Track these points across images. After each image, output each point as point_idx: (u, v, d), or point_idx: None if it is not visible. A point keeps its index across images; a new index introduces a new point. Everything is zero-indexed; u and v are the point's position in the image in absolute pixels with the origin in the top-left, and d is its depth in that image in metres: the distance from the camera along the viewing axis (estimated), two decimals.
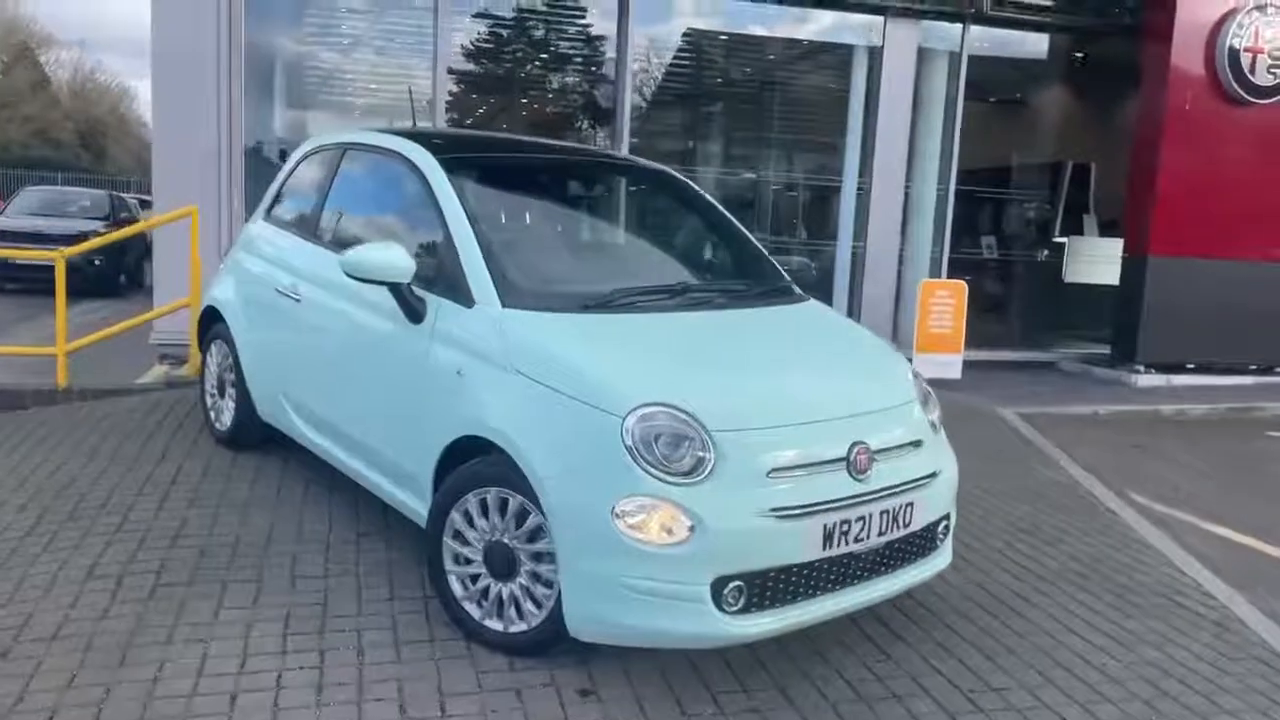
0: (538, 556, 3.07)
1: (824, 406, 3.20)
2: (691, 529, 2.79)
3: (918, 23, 9.26)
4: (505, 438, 3.05)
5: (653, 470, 2.83)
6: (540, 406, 3.03)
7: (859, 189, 9.50)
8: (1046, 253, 11.87)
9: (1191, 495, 5.72)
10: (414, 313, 3.50)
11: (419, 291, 3.51)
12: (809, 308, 3.93)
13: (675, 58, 9.86)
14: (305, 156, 4.76)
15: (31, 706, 2.76)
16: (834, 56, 9.76)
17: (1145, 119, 9.38)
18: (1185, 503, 5.52)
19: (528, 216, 3.98)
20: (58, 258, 6.08)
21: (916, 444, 3.34)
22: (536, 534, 3.06)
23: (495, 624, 3.18)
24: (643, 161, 4.63)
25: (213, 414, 5.16)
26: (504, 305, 3.30)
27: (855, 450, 3.08)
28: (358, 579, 3.65)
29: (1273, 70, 9.21)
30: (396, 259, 3.45)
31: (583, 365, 3.08)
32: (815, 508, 2.94)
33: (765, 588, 2.91)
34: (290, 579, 3.63)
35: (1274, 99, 9.28)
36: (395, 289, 3.51)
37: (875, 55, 9.31)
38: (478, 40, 9.22)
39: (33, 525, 4.04)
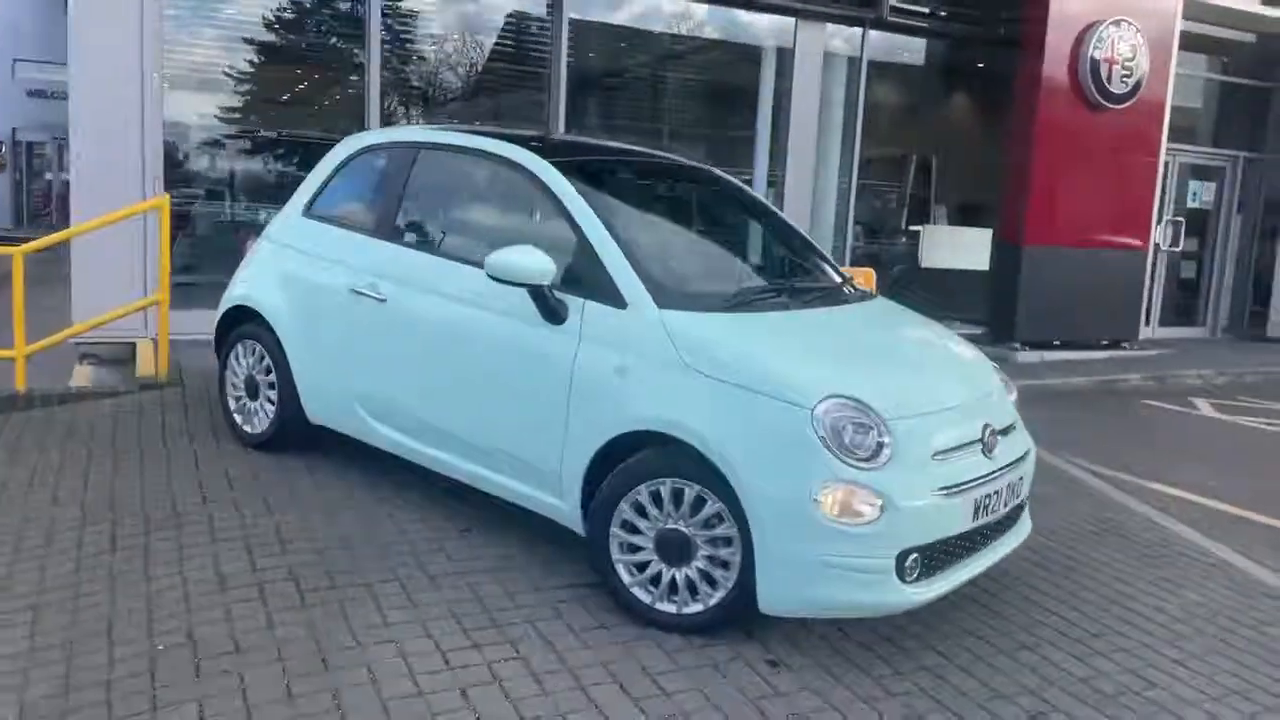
0: (714, 541, 3.30)
1: (953, 393, 3.59)
2: (881, 509, 3.11)
3: (824, 26, 9.82)
4: (691, 432, 3.25)
5: (843, 457, 3.12)
6: (726, 402, 3.25)
7: (770, 180, 10.00)
8: (904, 240, 12.81)
9: (1127, 461, 6.48)
10: (555, 315, 3.63)
11: (559, 294, 3.63)
12: (885, 303, 4.30)
13: (598, 53, 10.00)
14: (355, 155, 4.69)
15: (270, 718, 2.77)
16: (746, 55, 10.19)
17: (1019, 121, 10.34)
18: (1126, 467, 6.28)
19: (640, 219, 4.13)
20: (16, 254, 5.65)
21: (1014, 425, 3.79)
22: (713, 520, 3.29)
23: (667, 606, 3.39)
24: (708, 166, 4.86)
25: (239, 417, 5.01)
26: (659, 306, 3.49)
27: (986, 430, 3.50)
28: (490, 574, 3.75)
29: (1124, 79, 10.37)
30: (541, 262, 3.56)
31: (761, 362, 3.33)
32: (969, 484, 3.33)
33: (933, 557, 3.27)
34: (427, 577, 3.69)
35: (1125, 104, 10.45)
36: (537, 292, 3.62)
37: (785, 55, 9.80)
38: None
39: (111, 539, 3.88)
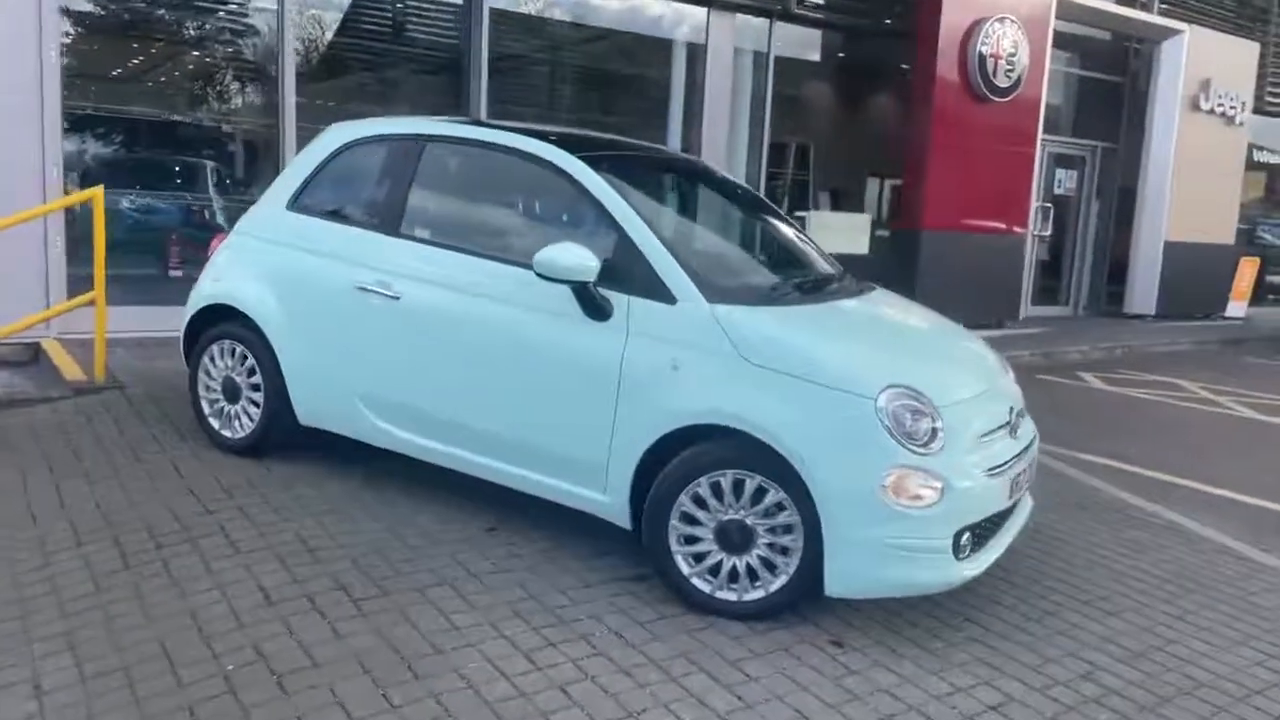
0: (774, 529, 3.41)
1: (979, 378, 3.81)
2: (941, 491, 3.28)
3: (734, 16, 10.01)
4: (757, 425, 3.34)
5: (905, 443, 3.28)
6: (789, 394, 3.35)
7: None
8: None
9: (1045, 432, 6.91)
10: (601, 311, 3.64)
11: (603, 290, 3.64)
12: (888, 293, 4.49)
13: (517, 39, 9.88)
14: (346, 147, 4.52)
15: None
16: (659, 46, 10.28)
17: (916, 112, 10.84)
18: (1052, 438, 6.71)
19: (668, 214, 4.16)
20: None
21: (1024, 409, 4.04)
22: (773, 509, 3.40)
23: (728, 594, 3.47)
24: (701, 160, 4.92)
25: (214, 421, 4.78)
26: (709, 301, 3.55)
27: (1012, 413, 3.73)
28: (533, 572, 3.74)
29: (1008, 73, 11.00)
30: (588, 259, 3.56)
31: (818, 354, 3.44)
32: (1006, 464, 3.55)
33: (978, 534, 3.48)
34: (473, 577, 3.65)
35: (1008, 97, 11.10)
36: (582, 288, 3.62)
37: (697, 47, 9.95)
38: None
39: (121, 557, 3.67)
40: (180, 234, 8.21)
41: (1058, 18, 11.62)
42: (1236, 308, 14.78)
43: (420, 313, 4.07)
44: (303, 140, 8.03)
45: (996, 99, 10.99)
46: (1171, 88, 13.25)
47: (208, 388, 4.80)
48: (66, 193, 7.00)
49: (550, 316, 3.74)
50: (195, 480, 4.42)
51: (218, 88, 8.59)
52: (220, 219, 8.38)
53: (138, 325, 6.93)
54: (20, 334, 6.11)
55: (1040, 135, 11.74)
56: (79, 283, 7.01)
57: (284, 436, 4.64)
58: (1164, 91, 13.31)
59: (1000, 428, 3.63)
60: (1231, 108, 13.84)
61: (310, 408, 4.48)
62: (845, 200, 12.31)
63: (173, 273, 7.95)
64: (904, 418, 3.31)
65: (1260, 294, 16.00)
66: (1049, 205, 13.02)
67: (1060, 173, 13.46)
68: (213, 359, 4.74)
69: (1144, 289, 13.72)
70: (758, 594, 3.46)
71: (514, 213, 4.24)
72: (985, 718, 3.01)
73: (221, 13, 8.32)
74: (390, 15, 9.07)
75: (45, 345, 6.73)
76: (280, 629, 3.20)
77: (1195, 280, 13.83)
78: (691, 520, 3.48)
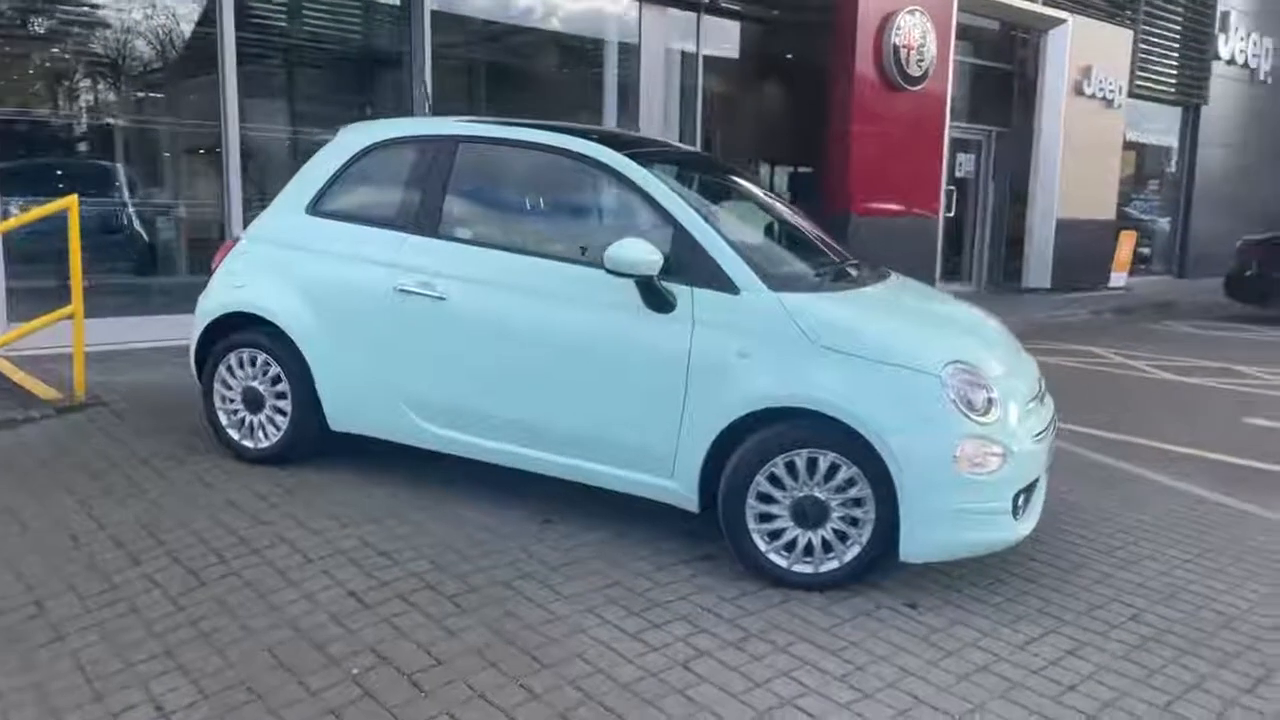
0: (847, 503, 3.60)
1: (1009, 353, 4.08)
2: (1004, 457, 3.54)
3: (666, 10, 10.18)
4: (833, 405, 3.51)
5: (969, 415, 3.52)
6: (860, 374, 3.54)
7: None
8: None
9: None
10: (665, 303, 3.76)
11: (665, 283, 3.76)
12: (906, 279, 4.74)
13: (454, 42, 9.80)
14: (371, 149, 4.49)
15: (536, 717, 2.79)
16: (593, 43, 10.36)
17: (837, 102, 11.23)
18: None
19: (714, 208, 4.27)
20: None
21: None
22: (846, 484, 3.60)
23: (804, 567, 3.66)
24: (717, 157, 5.06)
25: (234, 433, 4.69)
26: (772, 290, 3.72)
27: (1040, 384, 4.03)
28: (606, 559, 3.84)
29: (919, 63, 11.52)
30: (654, 254, 3.67)
31: (884, 335, 3.65)
32: (1045, 430, 3.84)
33: (1027, 496, 3.76)
34: (551, 569, 3.72)
35: (920, 86, 11.62)
36: (647, 282, 3.73)
37: (629, 44, 10.09)
38: None
39: (190, 572, 3.61)
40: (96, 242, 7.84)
41: (959, 9, 12.21)
42: (1118, 278, 15.81)
43: (470, 313, 4.10)
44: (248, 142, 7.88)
45: (910, 88, 11.49)
46: (1058, 74, 14.08)
47: (225, 399, 4.70)
48: None
49: (611, 311, 3.84)
50: (229, 492, 4.35)
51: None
52: (137, 225, 8.10)
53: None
54: None
55: (948, 122, 12.32)
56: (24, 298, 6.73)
57: (311, 444, 4.60)
58: (1051, 78, 14.14)
59: (1034, 399, 3.91)
60: (1110, 92, 14.80)
61: (344, 413, 4.45)
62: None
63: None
64: (966, 391, 3.55)
65: (1134, 265, 17.18)
66: (952, 188, 13.67)
67: (960, 157, 14.14)
68: (230, 370, 4.65)
69: (1039, 264, 14.56)
70: (832, 564, 3.65)
71: (560, 211, 4.30)
72: (1067, 662, 3.27)
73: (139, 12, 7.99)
74: (331, 13, 8.89)
75: None
76: (389, 631, 3.23)
77: (1083, 254, 14.75)
78: (768, 499, 3.65)
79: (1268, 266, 12.75)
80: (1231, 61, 18.91)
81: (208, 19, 7.78)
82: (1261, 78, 19.96)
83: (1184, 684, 3.15)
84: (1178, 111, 18.32)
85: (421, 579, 3.59)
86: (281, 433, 4.58)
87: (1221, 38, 18.32)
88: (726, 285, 3.74)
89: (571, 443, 4.00)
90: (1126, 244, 15.94)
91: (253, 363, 4.59)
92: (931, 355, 3.59)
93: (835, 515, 3.62)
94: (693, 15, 10.49)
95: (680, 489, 3.84)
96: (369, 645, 3.14)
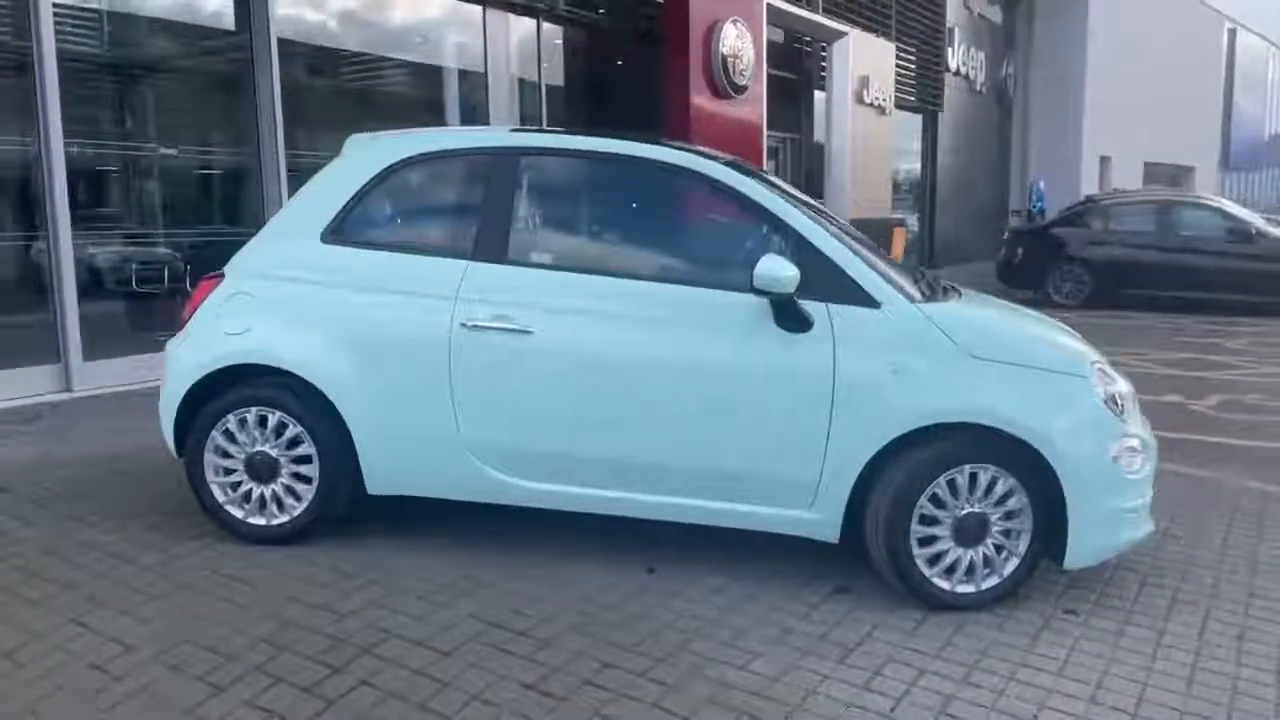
0: (1005, 516, 3.51)
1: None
2: (1145, 453, 3.59)
3: (508, 16, 9.73)
4: (999, 416, 3.38)
5: (1116, 415, 3.53)
6: (1019, 382, 3.44)
7: None
8: None
9: None
10: (804, 322, 3.49)
11: (801, 301, 3.50)
12: (967, 289, 4.70)
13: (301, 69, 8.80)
14: (399, 165, 3.84)
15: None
16: (432, 44, 9.72)
17: (673, 108, 11.22)
18: None
19: (821, 219, 3.97)
20: None
21: None
22: (1004, 497, 3.50)
23: (967, 588, 3.51)
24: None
25: (235, 510, 3.90)
26: (912, 302, 3.55)
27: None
28: (753, 602, 3.53)
29: (742, 72, 11.76)
30: (793, 269, 3.40)
31: (1031, 341, 3.59)
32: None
33: None
34: (705, 621, 3.36)
35: (744, 94, 11.87)
36: (788, 301, 3.45)
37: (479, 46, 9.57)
38: None
39: (304, 690, 2.93)
40: None
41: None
42: None
43: (562, 346, 3.61)
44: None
45: (736, 96, 11.71)
46: (843, 84, 14.91)
47: (218, 470, 3.89)
48: None
49: (738, 333, 3.52)
50: (266, 584, 3.59)
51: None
52: None
53: None
54: None
55: (765, 128, 12.69)
56: None
57: (337, 515, 3.91)
58: (838, 87, 14.95)
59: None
60: (882, 100, 15.87)
61: (391, 474, 3.81)
62: None
63: None
64: (1107, 392, 3.56)
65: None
66: None
67: (768, 163, 14.61)
68: (229, 435, 3.85)
69: None
70: (993, 580, 3.54)
71: (650, 229, 3.88)
72: (1242, 646, 3.34)
73: None
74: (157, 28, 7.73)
75: None
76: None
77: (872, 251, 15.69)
78: (930, 521, 3.48)
79: (1032, 254, 14.12)
80: (957, 73, 20.93)
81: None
82: (978, 88, 22.26)
83: None
84: (919, 119, 20.01)
85: (584, 653, 3.11)
86: (304, 504, 3.86)
87: (950, 50, 20.22)
88: (864, 300, 3.53)
89: (691, 482, 3.63)
90: (899, 239, 17.15)
91: (261, 424, 3.83)
92: (1080, 359, 3.58)
93: (995, 530, 3.51)
94: (530, 21, 10.11)
95: (822, 519, 3.58)
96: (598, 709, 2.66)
